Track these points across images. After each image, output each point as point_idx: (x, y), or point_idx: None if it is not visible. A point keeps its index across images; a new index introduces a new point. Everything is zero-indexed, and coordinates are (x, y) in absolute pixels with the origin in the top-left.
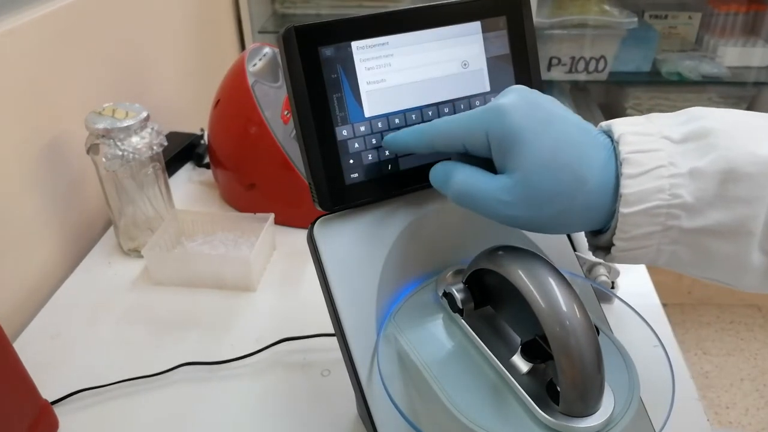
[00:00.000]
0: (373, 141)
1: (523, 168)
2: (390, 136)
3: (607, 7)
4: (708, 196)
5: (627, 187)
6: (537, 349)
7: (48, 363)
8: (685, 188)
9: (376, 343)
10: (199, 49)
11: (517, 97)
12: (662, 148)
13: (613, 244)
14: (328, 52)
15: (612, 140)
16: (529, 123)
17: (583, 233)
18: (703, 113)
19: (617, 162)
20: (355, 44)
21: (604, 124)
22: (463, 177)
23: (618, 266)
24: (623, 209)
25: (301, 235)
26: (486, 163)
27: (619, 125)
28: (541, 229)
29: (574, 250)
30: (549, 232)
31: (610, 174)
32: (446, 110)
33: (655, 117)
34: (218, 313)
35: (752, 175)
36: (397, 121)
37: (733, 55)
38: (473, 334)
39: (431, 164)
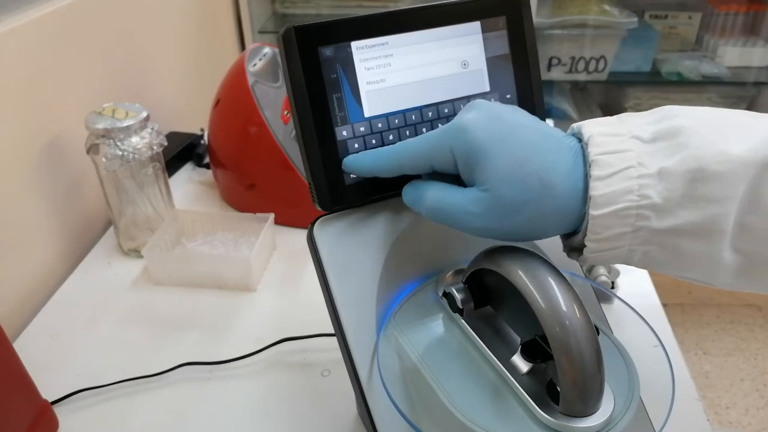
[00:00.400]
0: (373, 141)
1: (490, 180)
2: (351, 158)
3: (607, 7)
4: (676, 197)
5: (596, 189)
6: (537, 349)
7: (48, 363)
8: (654, 188)
9: (376, 343)
10: (199, 49)
11: (477, 112)
12: (632, 149)
13: (585, 246)
14: (328, 52)
15: (581, 142)
16: (491, 136)
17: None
18: (676, 111)
19: (585, 164)
20: (354, 44)
21: (575, 125)
22: (434, 194)
23: (618, 266)
24: (593, 211)
25: (301, 235)
26: (455, 180)
27: (589, 126)
28: (514, 238)
29: None
30: (522, 240)
31: (578, 177)
32: (446, 110)
33: (627, 117)
34: (218, 313)
35: (722, 173)
36: (396, 121)
37: (733, 55)
38: (473, 334)
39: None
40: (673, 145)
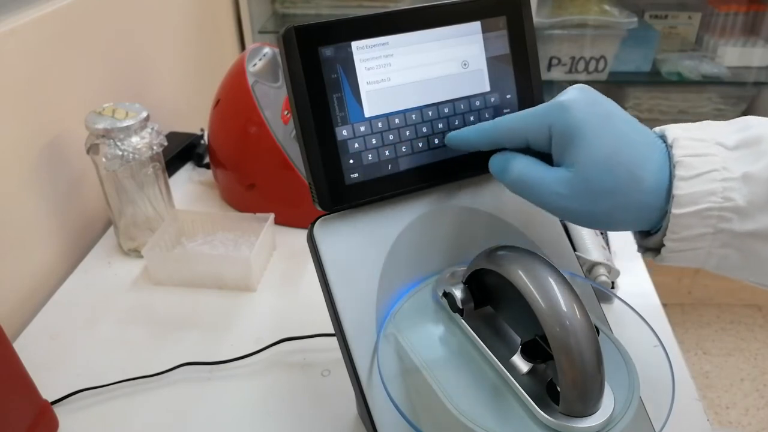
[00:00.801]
0: (373, 141)
1: (582, 162)
2: (453, 134)
3: (607, 7)
4: (760, 201)
5: (680, 189)
6: (537, 349)
7: (48, 363)
8: (738, 192)
9: (376, 343)
10: (199, 49)
11: (578, 93)
12: (716, 153)
13: (663, 245)
14: (328, 52)
15: (666, 144)
16: (591, 119)
17: (589, 235)
18: (756, 122)
19: (671, 164)
20: (355, 44)
21: (657, 129)
22: (522, 166)
23: (618, 266)
24: (675, 210)
25: (301, 235)
26: (544, 160)
27: (673, 129)
28: (592, 224)
29: (574, 250)
30: (600, 228)
31: (665, 175)
32: (446, 110)
33: (709, 124)
34: (218, 313)
35: None
36: (397, 121)
37: (733, 55)
38: (473, 334)
39: (431, 164)
40: (757, 152)
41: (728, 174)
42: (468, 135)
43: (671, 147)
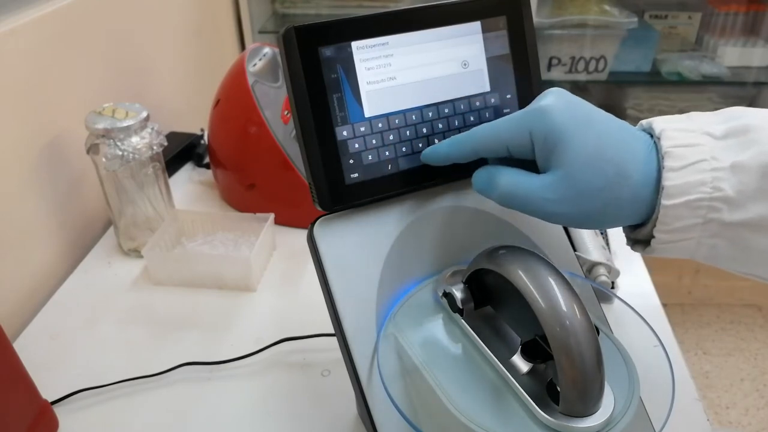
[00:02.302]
0: (373, 141)
1: (567, 165)
2: (429, 150)
3: (607, 7)
4: (749, 190)
5: (669, 180)
6: (537, 349)
7: (48, 363)
8: (727, 182)
9: (376, 343)
10: (199, 48)
11: (555, 97)
12: (704, 143)
13: (653, 237)
14: (328, 52)
15: (652, 137)
16: (571, 121)
17: (589, 235)
18: (743, 112)
19: (658, 156)
20: (355, 44)
21: (644, 122)
22: (507, 179)
23: (618, 266)
24: (665, 201)
25: (301, 235)
26: (525, 166)
27: (659, 122)
28: (585, 224)
29: (574, 250)
30: (593, 227)
31: (652, 168)
32: (446, 110)
33: (695, 115)
34: (218, 313)
35: None
36: (397, 121)
37: (733, 55)
38: (473, 334)
39: (431, 164)
40: (745, 141)
41: (717, 164)
42: (442, 149)
43: (659, 138)
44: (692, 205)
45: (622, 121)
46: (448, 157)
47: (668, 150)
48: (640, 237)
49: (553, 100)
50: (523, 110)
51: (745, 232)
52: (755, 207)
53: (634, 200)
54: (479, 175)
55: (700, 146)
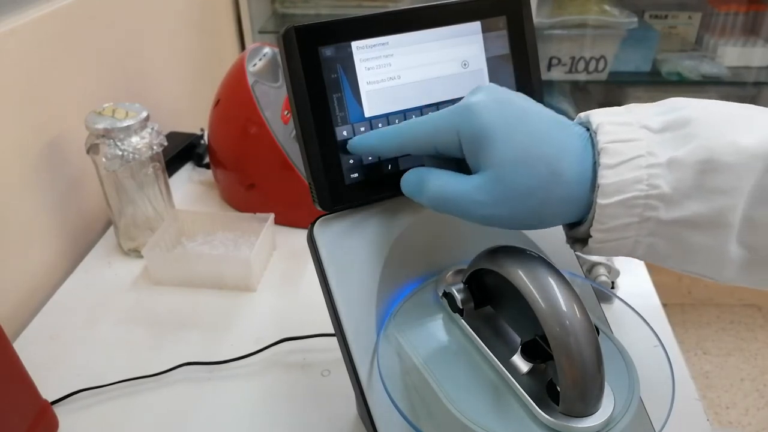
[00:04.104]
0: None
1: (496, 165)
2: (355, 139)
3: (607, 7)
4: (686, 187)
5: (604, 178)
6: (537, 349)
7: (48, 363)
8: (663, 178)
9: (376, 343)
10: (199, 49)
11: (485, 95)
12: (641, 138)
13: (590, 236)
14: (328, 52)
15: (590, 131)
16: (499, 120)
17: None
18: (684, 103)
19: (594, 152)
20: (355, 44)
21: (582, 114)
22: (436, 181)
23: (618, 266)
24: (600, 200)
25: (301, 235)
26: (458, 165)
27: (597, 115)
28: (519, 226)
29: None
30: (527, 228)
31: (587, 165)
32: None
33: (635, 107)
34: (218, 313)
35: (732, 165)
36: (397, 121)
37: (733, 55)
38: (473, 334)
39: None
40: (683, 135)
41: (654, 159)
42: (369, 141)
43: (595, 133)
44: (628, 204)
45: (559, 117)
46: (374, 150)
47: (604, 146)
48: (578, 236)
49: (482, 98)
50: (451, 107)
51: (683, 230)
52: (692, 204)
53: (568, 199)
54: (408, 178)
55: (637, 141)
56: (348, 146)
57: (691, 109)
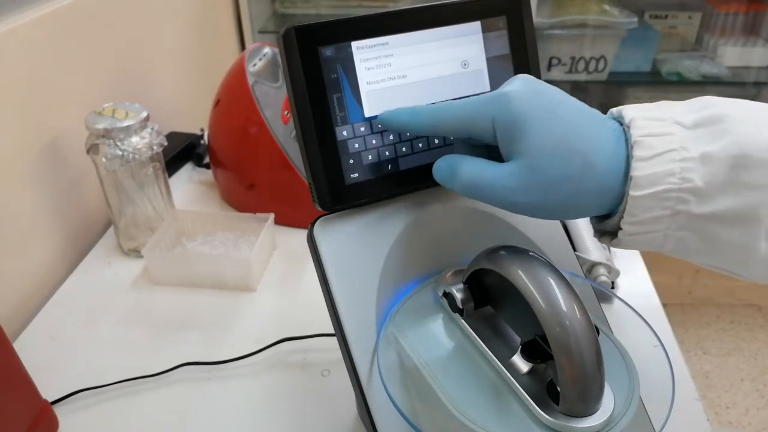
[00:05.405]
0: (373, 141)
1: (531, 154)
2: (386, 113)
3: (607, 7)
4: (718, 182)
5: (638, 170)
6: (537, 349)
7: (48, 363)
8: (696, 172)
9: (376, 343)
10: (199, 49)
11: (522, 84)
12: (674, 133)
13: (620, 229)
14: (328, 52)
15: (622, 125)
16: (535, 109)
17: (589, 235)
18: (716, 101)
19: (627, 146)
20: (355, 44)
21: (614, 110)
22: (469, 168)
23: (618, 266)
24: (633, 192)
25: (301, 235)
26: (488, 151)
27: (630, 110)
28: (549, 215)
29: (574, 250)
30: (557, 218)
31: (620, 158)
32: None
33: (666, 104)
34: (218, 313)
35: (764, 161)
36: None
37: (733, 55)
38: (473, 334)
39: (431, 164)
40: (716, 131)
41: (687, 154)
42: (402, 116)
43: (628, 127)
44: (660, 196)
45: (593, 110)
46: (407, 125)
47: (638, 139)
48: (607, 228)
49: (519, 86)
50: (487, 94)
51: (713, 224)
52: (724, 199)
53: (600, 191)
54: (440, 165)
55: (670, 136)
56: (379, 120)
57: (723, 107)
